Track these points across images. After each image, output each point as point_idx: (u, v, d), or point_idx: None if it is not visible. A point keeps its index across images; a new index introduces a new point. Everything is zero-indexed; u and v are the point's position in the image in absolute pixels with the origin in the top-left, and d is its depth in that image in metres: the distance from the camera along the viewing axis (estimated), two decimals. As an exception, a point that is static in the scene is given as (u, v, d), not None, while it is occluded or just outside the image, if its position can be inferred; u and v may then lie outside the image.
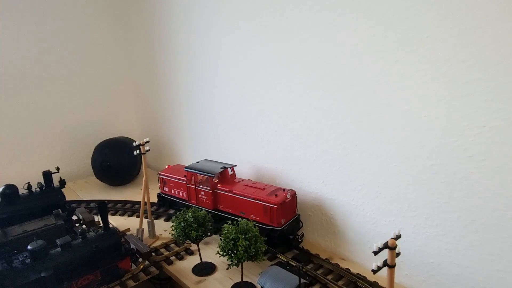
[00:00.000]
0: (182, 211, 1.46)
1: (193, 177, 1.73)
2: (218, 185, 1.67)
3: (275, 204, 1.46)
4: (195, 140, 2.25)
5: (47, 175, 1.63)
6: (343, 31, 1.34)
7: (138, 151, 1.60)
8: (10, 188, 1.55)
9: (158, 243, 1.66)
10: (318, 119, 1.51)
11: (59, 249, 1.29)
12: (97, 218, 1.86)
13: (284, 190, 1.54)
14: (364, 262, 1.47)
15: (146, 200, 1.64)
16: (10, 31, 2.12)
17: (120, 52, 2.56)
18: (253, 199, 1.53)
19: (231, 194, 1.61)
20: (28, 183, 1.60)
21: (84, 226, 1.64)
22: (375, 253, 0.75)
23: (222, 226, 1.31)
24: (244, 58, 1.76)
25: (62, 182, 1.67)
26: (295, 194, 1.55)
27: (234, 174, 1.72)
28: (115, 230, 1.41)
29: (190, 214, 1.43)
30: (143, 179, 1.63)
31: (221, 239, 1.28)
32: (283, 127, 1.67)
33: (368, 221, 1.43)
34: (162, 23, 2.24)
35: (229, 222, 1.33)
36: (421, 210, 1.25)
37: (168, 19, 2.19)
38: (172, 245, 1.64)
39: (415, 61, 1.16)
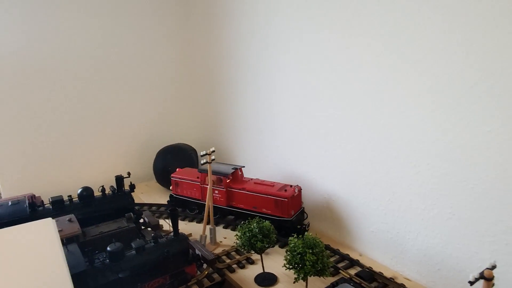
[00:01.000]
0: (246, 222, 1.49)
1: (207, 178, 1.86)
2: (231, 184, 1.86)
3: (286, 198, 1.70)
4: (252, 150, 2.29)
5: (119, 179, 1.73)
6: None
7: (204, 160, 1.65)
8: (87, 190, 1.67)
9: (219, 250, 1.70)
10: (386, 136, 1.49)
11: (134, 251, 1.37)
12: (162, 222, 1.95)
13: (291, 186, 1.79)
14: (431, 284, 1.42)
15: (210, 207, 1.69)
16: (77, 38, 2.27)
17: (182, 60, 2.67)
18: (265, 194, 1.75)
19: (244, 192, 1.81)
20: (102, 186, 1.71)
21: (149, 229, 1.72)
22: (471, 283, 0.73)
23: (289, 239, 1.32)
24: (307, 71, 1.78)
25: (132, 187, 1.77)
26: (301, 189, 1.79)
27: (243, 174, 1.94)
28: (184, 236, 1.47)
29: (255, 224, 1.46)
30: (208, 187, 1.69)
31: (287, 252, 1.30)
32: (349, 145, 1.66)
33: (438, 243, 1.38)
34: (224, 33, 2.31)
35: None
36: (500, 235, 1.19)
37: (230, 30, 2.26)
38: (233, 253, 1.68)
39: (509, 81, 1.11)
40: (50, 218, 0.99)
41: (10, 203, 1.53)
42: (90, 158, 2.37)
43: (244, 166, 1.95)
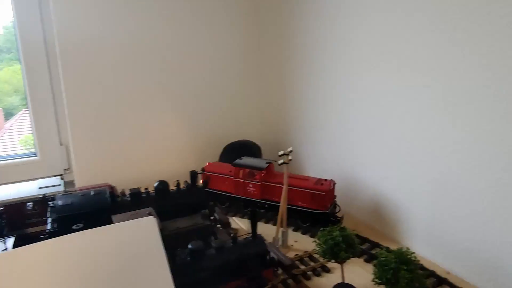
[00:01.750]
0: (328, 228, 1.42)
1: (241, 172, 1.94)
2: (266, 178, 1.90)
3: (323, 191, 1.76)
4: (320, 150, 2.20)
5: (194, 174, 1.72)
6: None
7: (282, 161, 1.59)
8: (163, 184, 1.67)
9: (291, 254, 1.63)
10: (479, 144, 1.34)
11: (213, 250, 1.34)
12: (231, 220, 1.92)
13: (325, 180, 1.84)
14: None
15: (284, 209, 1.63)
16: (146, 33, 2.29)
17: (251, 57, 2.62)
18: (303, 188, 1.80)
19: (281, 185, 1.77)
20: (178, 180, 1.71)
21: (219, 226, 1.70)
22: None
23: (379, 252, 1.23)
24: (389, 71, 1.65)
25: (205, 183, 1.75)
26: (335, 183, 1.84)
27: (273, 168, 1.97)
28: (262, 239, 1.42)
29: (337, 232, 1.37)
30: (283, 189, 1.63)
31: (376, 266, 1.21)
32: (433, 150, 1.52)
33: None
34: (297, 29, 2.23)
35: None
36: None
37: (304, 25, 2.17)
38: (306, 258, 1.61)
39: None
40: (152, 217, 0.98)
41: (92, 193, 1.56)
42: (160, 151, 2.39)
43: (275, 161, 1.88)
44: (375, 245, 1.68)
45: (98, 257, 0.81)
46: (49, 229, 1.45)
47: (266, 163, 1.93)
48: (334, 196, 1.87)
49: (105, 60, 2.18)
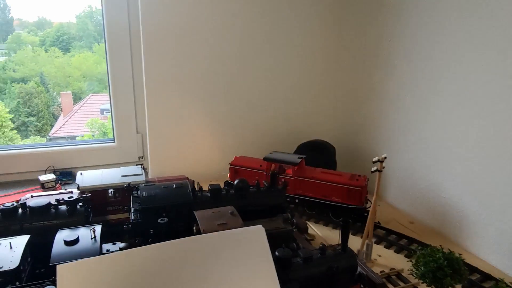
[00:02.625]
0: (428, 248, 1.27)
1: (273, 166, 1.94)
2: (299, 173, 1.89)
3: (359, 187, 1.77)
4: (397, 153, 2.02)
5: (274, 175, 1.64)
6: None
7: (375, 168, 1.46)
8: (243, 182, 1.60)
9: (376, 270, 1.50)
10: None
11: (301, 260, 1.25)
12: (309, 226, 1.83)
13: (359, 175, 1.85)
14: None
15: (372, 220, 1.50)
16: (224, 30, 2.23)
17: (330, 55, 2.49)
18: (339, 183, 1.81)
19: (315, 180, 1.85)
20: (257, 180, 1.64)
21: (295, 230, 1.60)
22: None
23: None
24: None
25: (285, 184, 1.66)
26: (368, 179, 1.84)
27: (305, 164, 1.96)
28: (352, 252, 1.30)
29: (440, 255, 1.23)
30: (373, 199, 1.49)
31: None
32: None
33: None
34: (387, 30, 2.06)
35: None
36: None
37: (395, 25, 1.99)
38: (394, 277, 1.47)
39: None
40: (260, 226, 0.91)
41: (174, 186, 1.53)
42: (232, 146, 2.35)
43: (306, 156, 1.96)
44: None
45: (205, 264, 0.76)
46: (133, 220, 1.45)
47: (298, 158, 1.92)
48: (367, 192, 1.88)
49: (188, 50, 2.15)
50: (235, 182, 1.61)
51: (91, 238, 1.27)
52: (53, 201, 1.45)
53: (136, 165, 1.77)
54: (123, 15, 2.13)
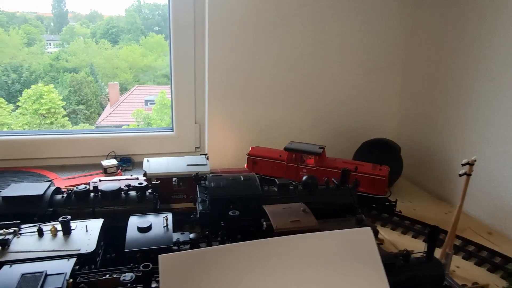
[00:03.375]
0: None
1: (294, 156, 1.90)
2: (320, 163, 1.87)
3: (383, 176, 1.78)
4: (479, 160, 1.86)
5: (345, 173, 1.55)
6: None
7: (463, 171, 1.33)
8: (312, 179, 1.53)
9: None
10: None
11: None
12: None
13: (380, 165, 1.85)
14: None
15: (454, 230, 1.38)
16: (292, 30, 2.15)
17: (402, 49, 2.36)
18: (363, 173, 1.79)
19: (338, 171, 1.70)
20: (327, 177, 1.56)
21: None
22: None
23: None
24: None
25: (356, 183, 1.57)
26: (389, 169, 1.84)
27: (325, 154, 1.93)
28: (438, 262, 1.20)
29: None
30: (458, 206, 1.37)
31: None
32: None
33: None
34: (465, 21, 1.90)
35: None
36: None
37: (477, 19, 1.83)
38: (477, 291, 1.34)
39: None
40: (369, 228, 0.83)
41: (242, 178, 1.48)
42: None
43: (325, 146, 1.93)
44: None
45: (310, 264, 0.70)
46: (201, 210, 1.41)
47: (319, 148, 1.89)
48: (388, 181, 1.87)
49: (252, 42, 2.11)
50: (304, 178, 1.54)
51: (164, 226, 1.25)
52: (123, 186, 1.44)
53: (200, 155, 1.74)
54: (189, 5, 2.10)
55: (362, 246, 0.75)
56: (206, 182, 1.47)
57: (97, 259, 1.18)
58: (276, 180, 1.53)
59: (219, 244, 1.31)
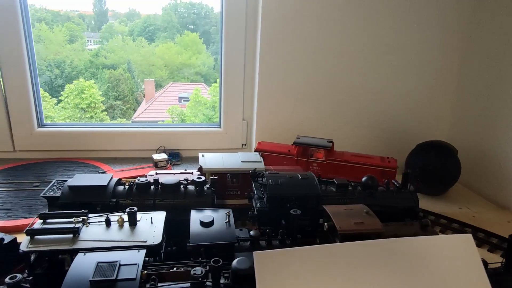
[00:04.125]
0: None
1: (304, 150, 1.89)
2: (330, 156, 1.88)
3: (393, 168, 1.79)
4: None
5: (407, 176, 1.49)
6: None
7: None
8: (372, 180, 1.48)
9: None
10: None
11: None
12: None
13: (388, 157, 1.86)
14: None
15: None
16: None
17: (460, 49, 2.26)
18: (373, 166, 1.81)
19: (347, 164, 1.85)
20: (387, 179, 1.50)
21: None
22: None
23: None
24: None
25: (406, 182, 1.50)
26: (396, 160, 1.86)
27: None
28: (518, 273, 1.12)
29: None
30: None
31: None
32: None
33: None
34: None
35: None
36: None
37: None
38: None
39: None
40: (469, 235, 0.79)
41: (300, 177, 1.45)
42: (341, 142, 2.23)
43: (333, 140, 1.93)
44: None
45: (411, 268, 0.66)
46: (259, 207, 1.40)
47: (328, 141, 1.89)
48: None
49: (303, 40, 2.07)
50: (364, 178, 1.49)
51: (225, 222, 1.24)
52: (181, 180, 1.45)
53: (254, 151, 1.72)
54: (241, 3, 2.09)
55: (464, 252, 0.71)
56: (264, 179, 1.45)
57: (161, 251, 1.19)
58: (334, 180, 1.49)
59: (278, 242, 1.30)
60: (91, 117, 6.06)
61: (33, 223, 1.17)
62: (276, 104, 2.15)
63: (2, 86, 2.06)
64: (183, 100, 6.63)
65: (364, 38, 2.15)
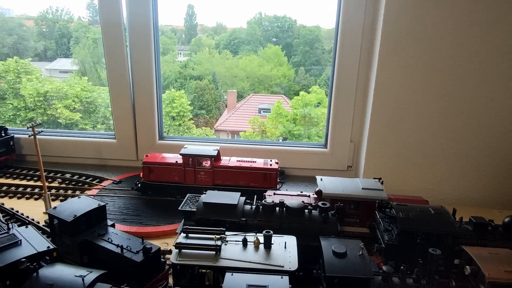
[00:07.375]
0: None
1: (190, 161, 1.96)
2: (216, 164, 1.97)
3: (274, 171, 1.96)
4: None
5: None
6: None
7: None
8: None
9: None
10: None
11: None
12: None
13: (271, 160, 2.02)
14: None
15: None
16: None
17: None
18: (255, 169, 1.95)
19: (233, 170, 1.96)
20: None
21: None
22: None
23: None
24: None
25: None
26: (277, 162, 2.01)
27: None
28: None
29: None
30: None
31: None
32: None
33: None
34: None
35: None
36: None
37: None
38: None
39: None
40: None
41: (432, 211, 1.37)
42: (467, 175, 2.09)
43: (219, 148, 2.02)
44: None
45: None
46: (388, 240, 1.34)
47: (214, 150, 1.98)
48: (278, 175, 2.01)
49: (421, 62, 1.95)
50: (506, 219, 1.35)
51: (359, 254, 1.21)
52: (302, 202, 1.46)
53: (374, 178, 1.67)
54: (359, 14, 2.04)
55: None
56: (392, 211, 1.39)
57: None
58: (471, 218, 1.37)
59: (413, 282, 1.22)
60: (179, 125, 6.45)
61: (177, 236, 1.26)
62: (389, 128, 2.04)
63: (133, 102, 2.28)
64: (263, 111, 6.75)
65: (481, 62, 1.93)
